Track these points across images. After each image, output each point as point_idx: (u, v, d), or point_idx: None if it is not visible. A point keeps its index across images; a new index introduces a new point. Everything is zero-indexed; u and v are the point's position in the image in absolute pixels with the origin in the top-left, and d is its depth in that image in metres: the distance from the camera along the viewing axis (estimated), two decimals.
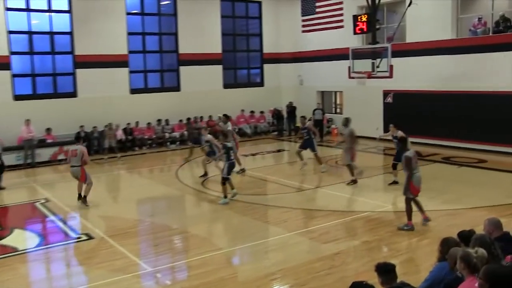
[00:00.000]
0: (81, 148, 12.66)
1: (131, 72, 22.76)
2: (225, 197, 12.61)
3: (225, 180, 12.59)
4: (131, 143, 22.00)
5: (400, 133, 13.15)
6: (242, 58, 27.01)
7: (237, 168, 14.75)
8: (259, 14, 26.82)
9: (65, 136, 20.17)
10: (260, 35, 27.03)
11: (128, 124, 22.03)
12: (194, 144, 18.89)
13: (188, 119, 22.75)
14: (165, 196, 14.35)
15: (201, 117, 23.44)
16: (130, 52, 22.70)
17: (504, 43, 17.57)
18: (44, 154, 19.33)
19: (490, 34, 18.45)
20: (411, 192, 10.01)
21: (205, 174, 15.73)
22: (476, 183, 14.25)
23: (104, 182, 16.47)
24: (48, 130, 20.01)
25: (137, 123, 22.30)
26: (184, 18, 23.91)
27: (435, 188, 13.25)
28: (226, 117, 17.23)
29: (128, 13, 22.62)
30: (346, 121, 14.57)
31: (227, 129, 16.12)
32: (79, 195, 12.79)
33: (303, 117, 16.86)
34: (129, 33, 22.59)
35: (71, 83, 21.36)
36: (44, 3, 20.63)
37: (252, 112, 25.78)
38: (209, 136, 15.38)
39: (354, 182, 14.07)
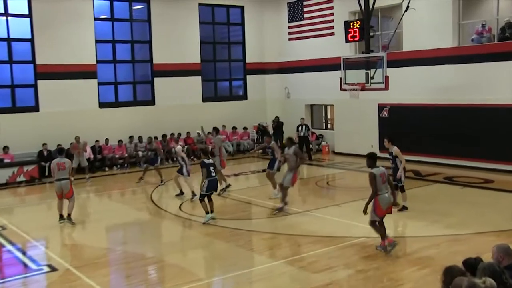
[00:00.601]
0: (68, 160, 13.58)
1: (99, 84, 22.68)
2: (207, 212, 12.80)
3: (203, 197, 12.81)
4: (100, 163, 21.85)
5: (395, 149, 13.11)
6: (223, 69, 27.05)
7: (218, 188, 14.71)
8: (241, 20, 26.98)
9: (25, 155, 20.00)
10: (243, 43, 27.18)
11: (97, 141, 21.87)
12: (150, 164, 19.02)
13: (164, 136, 22.67)
14: (138, 221, 14.22)
15: (179, 134, 23.37)
16: (99, 61, 22.65)
17: (511, 52, 17.77)
18: (0, 175, 19.07)
19: (495, 42, 18.71)
20: (376, 214, 10.02)
21: (181, 192, 16.20)
22: (482, 206, 14.27)
23: None
24: (6, 148, 19.75)
25: (106, 140, 22.17)
26: (159, 24, 23.96)
27: (437, 211, 13.33)
28: (216, 131, 17.33)
29: (96, 19, 22.61)
30: (290, 142, 14.51)
31: (219, 141, 16.47)
32: (61, 215, 13.27)
33: (269, 136, 17.19)
34: (98, 41, 22.56)
35: (32, 96, 21.21)
36: None
37: (234, 128, 25.78)
38: (178, 147, 16.53)
39: (280, 210, 13.88)
